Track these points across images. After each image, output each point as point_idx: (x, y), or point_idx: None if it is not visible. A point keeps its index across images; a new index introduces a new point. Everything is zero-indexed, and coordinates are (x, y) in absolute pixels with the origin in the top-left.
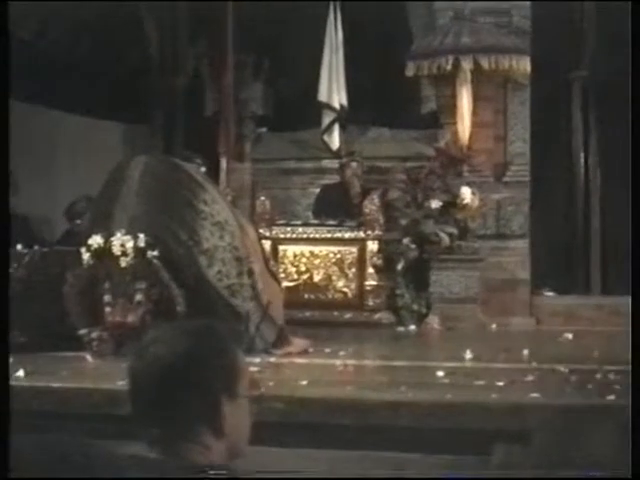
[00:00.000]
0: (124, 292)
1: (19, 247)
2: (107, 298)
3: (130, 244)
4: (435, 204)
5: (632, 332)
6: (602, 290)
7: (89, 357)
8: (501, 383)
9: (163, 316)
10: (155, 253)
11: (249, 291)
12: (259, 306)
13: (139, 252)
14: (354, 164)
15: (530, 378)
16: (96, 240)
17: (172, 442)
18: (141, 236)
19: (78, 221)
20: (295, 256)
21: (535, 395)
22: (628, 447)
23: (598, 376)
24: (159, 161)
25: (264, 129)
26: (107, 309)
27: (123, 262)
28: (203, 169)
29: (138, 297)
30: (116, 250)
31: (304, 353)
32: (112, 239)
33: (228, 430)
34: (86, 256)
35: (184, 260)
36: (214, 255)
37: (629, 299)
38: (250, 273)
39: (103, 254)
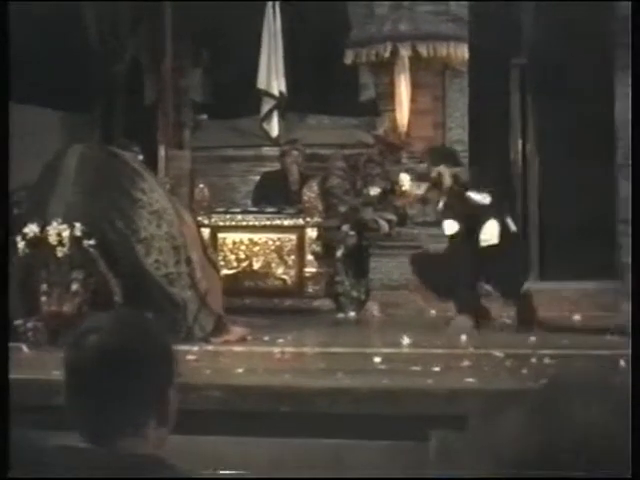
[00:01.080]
0: (60, 281)
1: None
2: (43, 287)
3: (66, 233)
4: (374, 191)
5: (632, 330)
6: (540, 275)
7: (25, 348)
8: (437, 369)
9: (100, 306)
10: (92, 242)
11: (187, 280)
12: (197, 295)
13: (75, 241)
14: (295, 152)
15: (466, 363)
16: (32, 229)
17: (109, 432)
18: (77, 225)
19: (16, 210)
20: (234, 244)
21: (470, 380)
22: (626, 447)
23: (533, 360)
24: (96, 150)
25: (203, 116)
26: (43, 298)
27: (59, 252)
28: (141, 157)
29: (74, 287)
30: (52, 239)
31: (242, 341)
32: (48, 228)
33: (169, 419)
34: (21, 245)
35: (121, 249)
36: (151, 244)
37: (567, 284)
38: (188, 262)
39: (39, 243)
